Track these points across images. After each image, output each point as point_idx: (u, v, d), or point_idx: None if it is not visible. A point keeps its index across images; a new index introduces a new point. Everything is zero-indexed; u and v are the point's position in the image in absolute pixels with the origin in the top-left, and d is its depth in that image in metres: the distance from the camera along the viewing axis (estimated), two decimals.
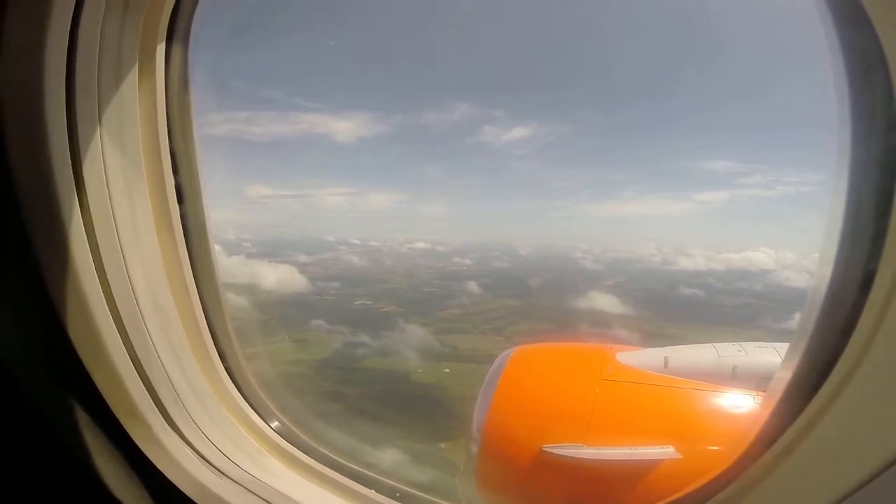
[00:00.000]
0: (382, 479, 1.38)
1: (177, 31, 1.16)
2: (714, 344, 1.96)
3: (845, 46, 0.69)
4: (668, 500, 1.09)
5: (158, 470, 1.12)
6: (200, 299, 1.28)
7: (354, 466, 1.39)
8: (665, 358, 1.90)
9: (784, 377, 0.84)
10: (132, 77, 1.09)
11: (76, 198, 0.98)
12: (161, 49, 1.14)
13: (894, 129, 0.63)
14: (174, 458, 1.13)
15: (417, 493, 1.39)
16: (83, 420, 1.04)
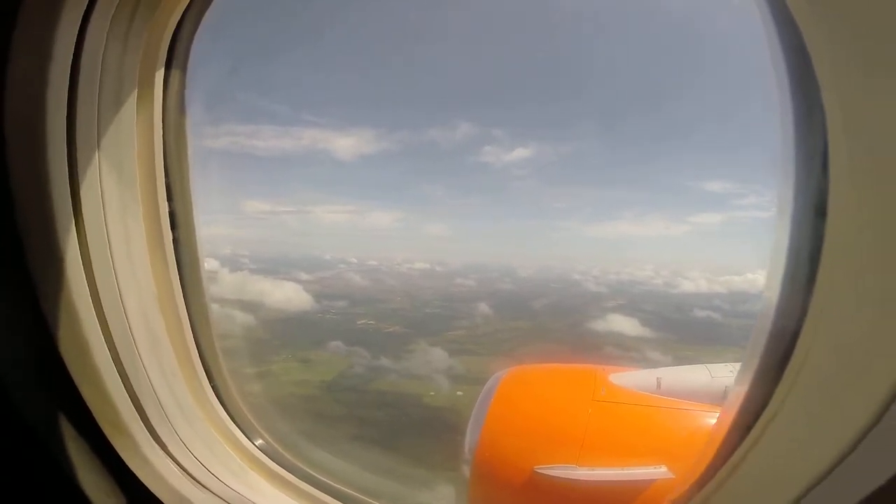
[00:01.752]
0: (359, 496, 1.39)
1: (176, 56, 1.21)
2: (706, 365, 1.96)
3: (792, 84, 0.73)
4: None
5: (142, 483, 1.13)
6: (190, 321, 1.31)
7: (333, 483, 1.40)
8: (658, 379, 1.89)
9: (738, 391, 0.86)
10: (131, 104, 1.13)
11: (73, 220, 1.02)
12: (160, 75, 1.18)
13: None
14: (158, 472, 1.15)
15: None
16: (69, 432, 1.06)
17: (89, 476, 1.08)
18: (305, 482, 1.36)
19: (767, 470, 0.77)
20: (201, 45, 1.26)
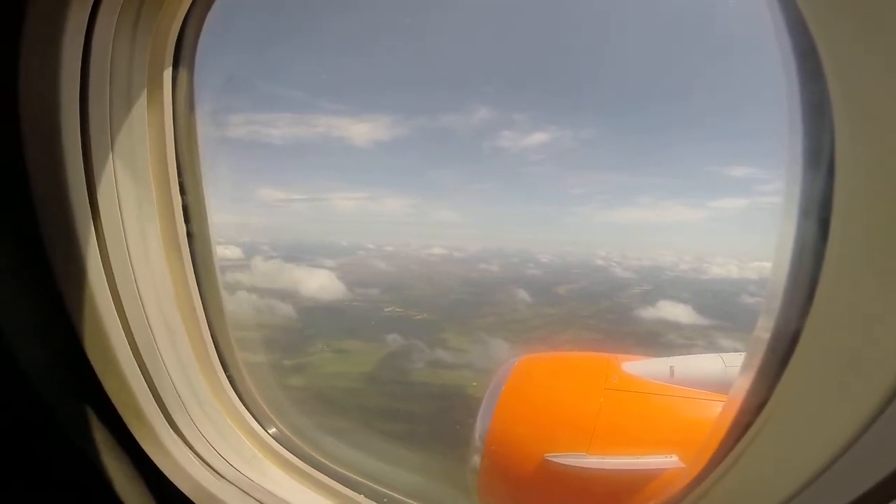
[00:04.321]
0: (370, 483, 1.42)
1: (183, 54, 1.23)
2: (720, 354, 1.92)
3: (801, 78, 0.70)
4: None
5: (160, 471, 1.19)
6: (205, 314, 1.35)
7: (343, 471, 1.44)
8: (671, 367, 1.87)
9: (741, 383, 0.84)
10: (142, 101, 1.16)
11: (91, 220, 1.06)
12: (168, 73, 1.20)
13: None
14: (176, 460, 1.21)
15: (404, 498, 1.43)
16: (94, 423, 1.13)
17: (112, 464, 1.15)
18: (315, 468, 1.41)
19: (766, 464, 0.76)
20: (214, 36, 1.27)
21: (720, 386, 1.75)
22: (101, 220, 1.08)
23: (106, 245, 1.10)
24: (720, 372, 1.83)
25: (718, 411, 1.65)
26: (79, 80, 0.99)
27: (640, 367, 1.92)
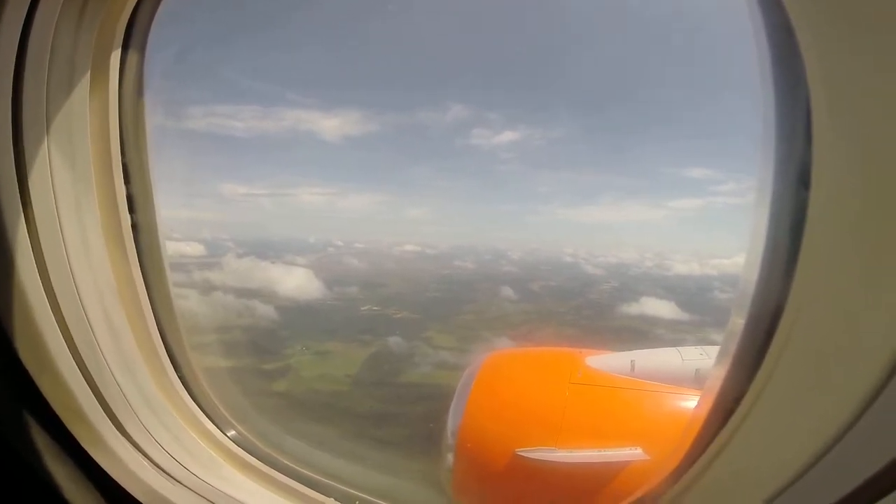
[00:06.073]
0: (340, 486, 1.38)
1: (134, 38, 1.17)
2: (678, 348, 1.97)
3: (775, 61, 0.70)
4: None
5: (109, 475, 1.13)
6: (153, 310, 1.28)
7: (312, 474, 1.40)
8: (632, 361, 1.91)
9: (717, 376, 0.84)
10: (83, 87, 1.09)
11: (21, 213, 0.99)
12: (116, 56, 1.14)
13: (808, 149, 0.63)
14: (126, 465, 1.14)
15: (376, 500, 1.40)
16: (33, 427, 1.06)
17: (56, 468, 1.08)
18: (280, 472, 1.36)
19: (746, 462, 0.76)
20: (171, 22, 1.23)
21: (677, 379, 1.80)
22: (32, 210, 1.02)
23: (38, 237, 1.03)
24: (678, 365, 1.88)
25: (679, 403, 1.70)
26: (14, 58, 0.93)
27: (603, 361, 1.95)
